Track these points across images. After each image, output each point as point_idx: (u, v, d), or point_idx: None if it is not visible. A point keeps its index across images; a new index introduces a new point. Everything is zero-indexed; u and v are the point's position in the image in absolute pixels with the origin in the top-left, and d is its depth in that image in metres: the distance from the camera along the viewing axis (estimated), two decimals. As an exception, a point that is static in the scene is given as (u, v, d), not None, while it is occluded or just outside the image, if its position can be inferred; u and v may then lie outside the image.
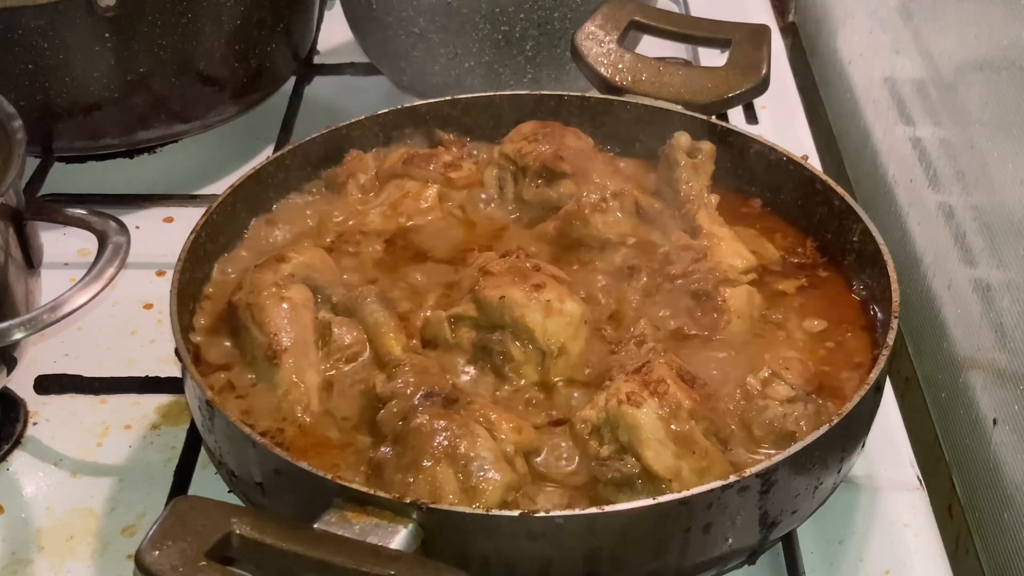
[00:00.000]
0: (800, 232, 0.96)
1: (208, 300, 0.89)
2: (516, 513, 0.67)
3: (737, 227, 0.94)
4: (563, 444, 0.77)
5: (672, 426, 0.73)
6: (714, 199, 0.95)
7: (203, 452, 0.88)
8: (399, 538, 0.65)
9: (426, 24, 1.19)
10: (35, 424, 0.94)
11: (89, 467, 0.91)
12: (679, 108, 1.01)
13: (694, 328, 0.85)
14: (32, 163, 1.20)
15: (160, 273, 1.08)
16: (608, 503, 0.70)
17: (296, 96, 1.33)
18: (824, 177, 0.94)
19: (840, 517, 0.85)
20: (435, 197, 0.98)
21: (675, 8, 1.49)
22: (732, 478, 0.68)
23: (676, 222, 0.94)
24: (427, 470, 0.71)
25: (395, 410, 0.75)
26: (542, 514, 0.66)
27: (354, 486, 0.67)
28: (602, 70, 1.06)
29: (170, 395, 0.95)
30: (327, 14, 1.45)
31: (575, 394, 0.80)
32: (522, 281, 0.82)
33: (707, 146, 0.97)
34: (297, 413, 0.79)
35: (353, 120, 1.02)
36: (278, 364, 0.80)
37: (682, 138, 0.96)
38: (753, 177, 0.99)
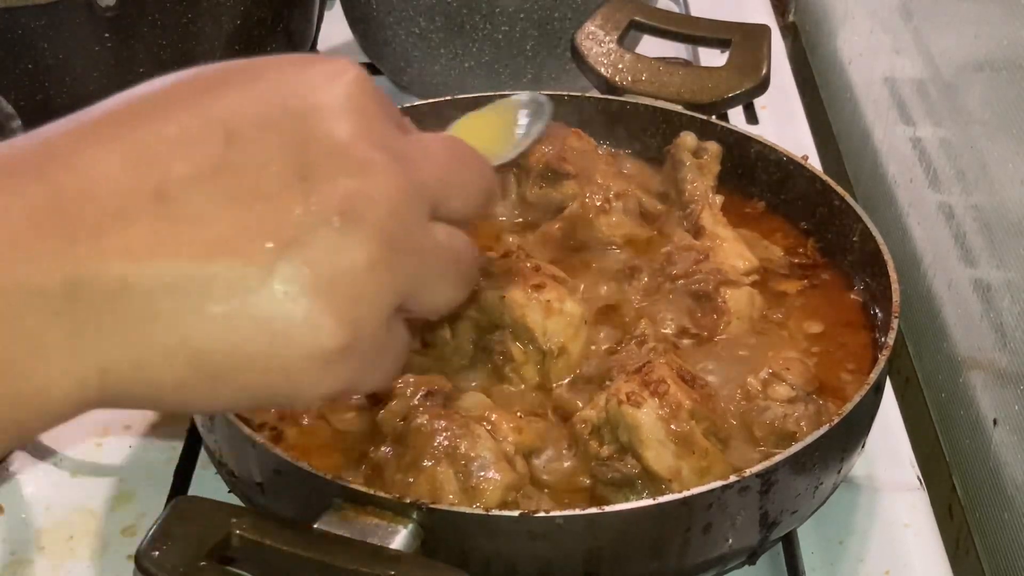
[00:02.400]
0: (800, 232, 0.96)
1: (208, 300, 0.88)
2: (516, 513, 0.67)
3: (741, 229, 0.94)
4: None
5: (672, 426, 0.73)
6: (719, 200, 0.95)
7: (203, 452, 0.88)
8: (399, 538, 0.65)
9: (426, 24, 1.19)
10: (35, 424, 0.94)
11: (89, 467, 0.91)
12: (679, 108, 1.01)
13: (694, 329, 0.85)
14: (32, 163, 1.20)
15: (160, 273, 1.08)
16: (608, 503, 0.71)
17: (296, 96, 1.32)
18: (824, 177, 0.94)
19: (840, 517, 0.85)
20: (435, 197, 0.98)
21: (675, 8, 1.49)
22: (732, 478, 0.68)
23: (679, 223, 0.94)
24: (427, 470, 0.71)
25: (395, 410, 0.75)
26: (542, 514, 0.66)
27: (354, 486, 0.67)
28: (602, 70, 1.06)
29: (170, 395, 0.95)
30: (327, 14, 1.45)
31: (576, 394, 0.80)
32: (522, 281, 0.82)
33: (713, 147, 0.97)
34: (298, 413, 0.79)
35: (353, 120, 1.02)
36: (278, 364, 0.80)
37: (688, 138, 0.96)
38: (753, 177, 0.99)
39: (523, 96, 0.70)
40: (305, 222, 0.44)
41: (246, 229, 0.43)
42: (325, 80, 0.46)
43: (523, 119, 0.68)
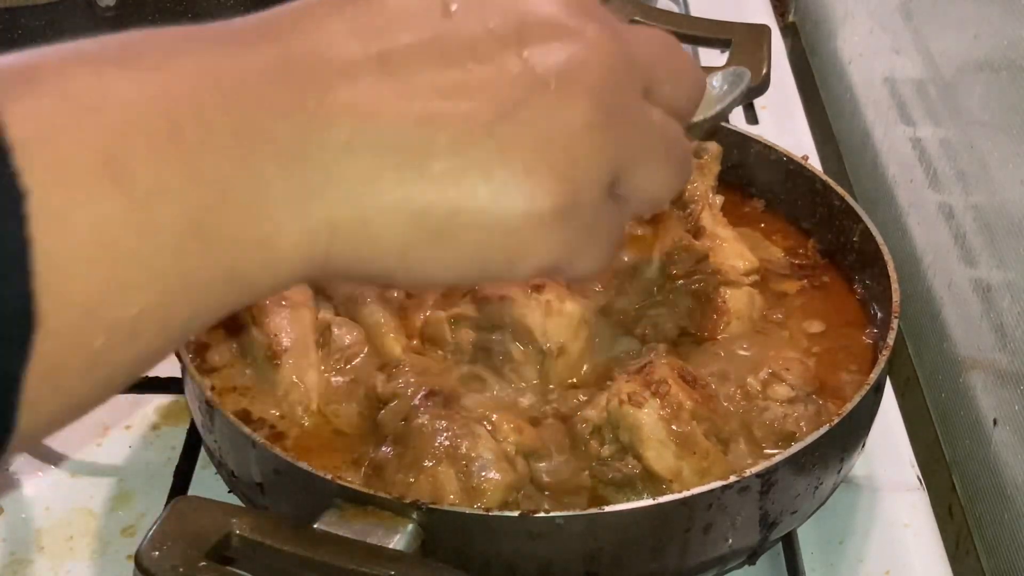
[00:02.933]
0: (800, 232, 0.96)
1: (208, 300, 0.89)
2: (516, 513, 0.67)
3: (741, 228, 0.94)
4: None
5: (673, 426, 0.73)
6: (719, 200, 0.95)
7: (203, 452, 0.88)
8: (399, 538, 0.65)
9: (426, 24, 1.19)
10: (35, 424, 0.94)
11: (89, 467, 0.91)
12: (679, 108, 1.01)
13: (695, 329, 0.85)
14: (32, 163, 1.20)
15: (160, 273, 1.08)
16: (608, 503, 0.71)
17: (296, 96, 1.32)
18: (824, 177, 0.94)
19: (840, 517, 0.85)
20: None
21: (675, 8, 1.49)
22: (732, 478, 0.68)
23: (679, 223, 0.94)
24: (428, 470, 0.71)
25: (396, 410, 0.75)
26: (542, 514, 0.66)
27: (354, 486, 0.67)
28: (602, 70, 1.06)
29: (170, 395, 0.95)
30: (327, 14, 1.45)
31: (576, 394, 0.80)
32: (522, 282, 0.82)
33: (714, 147, 0.97)
34: (297, 413, 0.79)
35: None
36: (278, 364, 0.80)
37: (688, 138, 0.96)
38: (753, 177, 0.99)
39: (718, 71, 0.69)
40: (522, 83, 0.44)
41: (466, 90, 0.44)
42: None
43: (718, 83, 0.67)
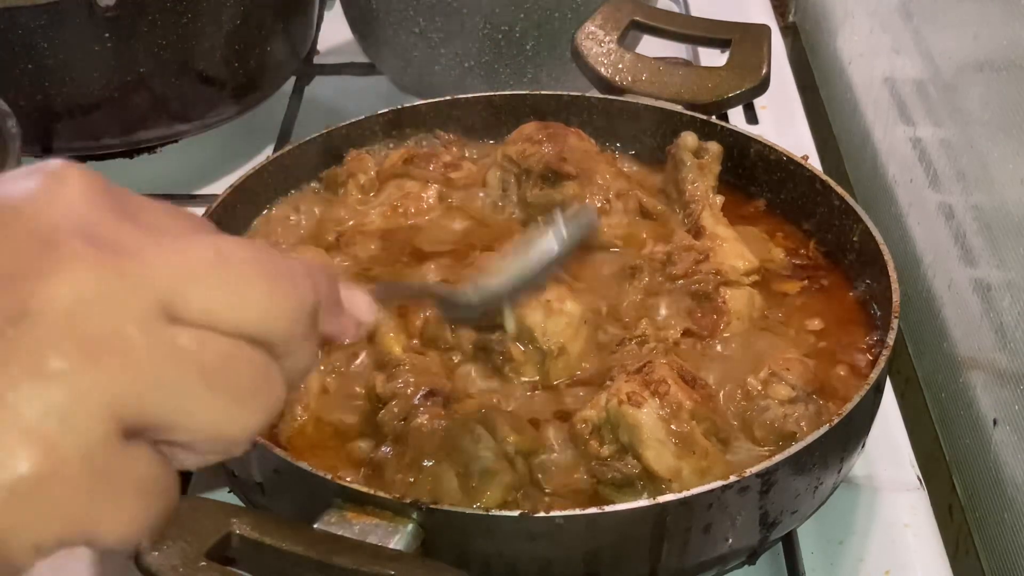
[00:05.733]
0: (800, 232, 0.96)
1: (208, 300, 0.88)
2: (516, 513, 0.67)
3: (743, 228, 0.94)
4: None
5: (673, 426, 0.73)
6: (719, 200, 0.95)
7: (203, 452, 0.88)
8: (399, 538, 0.65)
9: (426, 24, 1.19)
10: (35, 424, 0.94)
11: (89, 467, 0.90)
12: (679, 108, 1.01)
13: (695, 329, 0.85)
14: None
15: (160, 273, 1.08)
16: (608, 503, 0.71)
17: (296, 96, 1.33)
18: (824, 177, 0.94)
19: (840, 517, 0.85)
20: (435, 197, 0.98)
21: (675, 8, 1.49)
22: (732, 478, 0.68)
23: (680, 223, 0.94)
24: (428, 470, 0.71)
25: (395, 410, 0.75)
26: (542, 514, 0.66)
27: (354, 486, 0.67)
28: (602, 70, 1.06)
29: (170, 395, 0.95)
30: (327, 14, 1.45)
31: (576, 394, 0.80)
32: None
33: (714, 147, 0.97)
34: (297, 413, 0.79)
35: (353, 120, 1.02)
36: (278, 364, 0.80)
37: (689, 138, 0.96)
38: (753, 177, 0.99)
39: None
40: None
41: None
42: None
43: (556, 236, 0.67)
